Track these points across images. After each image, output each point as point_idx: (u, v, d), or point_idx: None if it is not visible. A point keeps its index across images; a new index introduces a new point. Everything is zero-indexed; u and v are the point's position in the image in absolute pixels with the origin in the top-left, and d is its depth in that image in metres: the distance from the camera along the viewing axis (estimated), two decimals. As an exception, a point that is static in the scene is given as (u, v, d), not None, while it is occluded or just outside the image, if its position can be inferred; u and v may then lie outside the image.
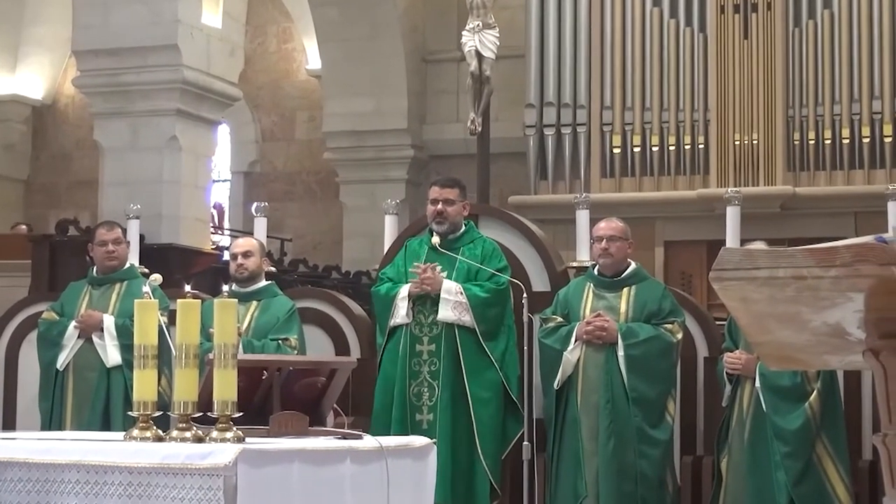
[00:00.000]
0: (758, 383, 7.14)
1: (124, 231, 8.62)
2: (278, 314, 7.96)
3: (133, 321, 7.70)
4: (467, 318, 7.67)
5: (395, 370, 7.73)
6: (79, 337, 8.17)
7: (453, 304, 7.65)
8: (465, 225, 7.98)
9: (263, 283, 8.17)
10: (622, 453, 7.40)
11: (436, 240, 7.81)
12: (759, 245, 7.21)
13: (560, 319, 7.70)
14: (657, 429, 7.45)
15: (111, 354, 8.09)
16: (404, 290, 7.76)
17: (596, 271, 7.79)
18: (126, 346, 7.84)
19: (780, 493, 7.07)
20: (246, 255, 8.07)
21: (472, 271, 7.76)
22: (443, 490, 7.27)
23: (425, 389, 7.68)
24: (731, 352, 7.35)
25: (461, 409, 7.64)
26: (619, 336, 7.47)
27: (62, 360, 8.16)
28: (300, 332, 8.01)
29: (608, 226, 7.74)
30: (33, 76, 18.46)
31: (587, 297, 7.70)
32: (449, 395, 7.63)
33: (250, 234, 9.92)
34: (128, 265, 8.51)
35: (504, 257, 7.96)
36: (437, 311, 7.68)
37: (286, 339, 7.85)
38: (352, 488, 5.03)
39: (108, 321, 8.14)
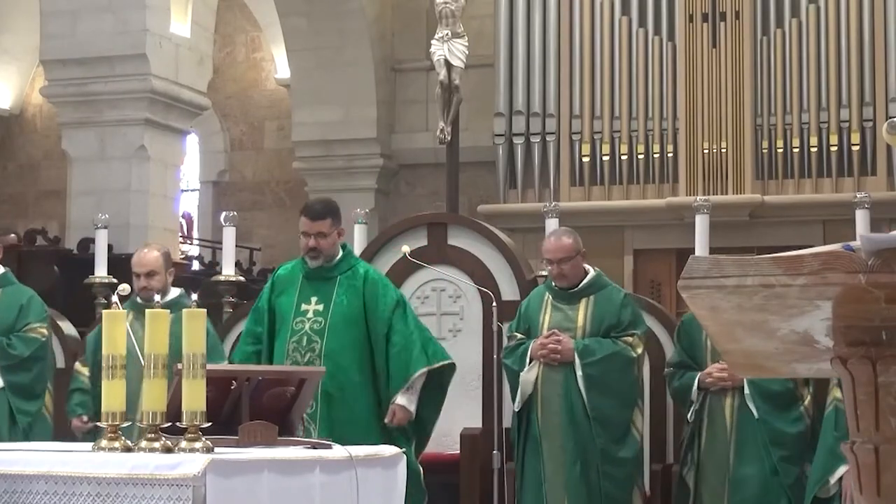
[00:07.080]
0: (747, 391, 7.09)
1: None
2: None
3: (8, 340, 7.51)
4: None
5: None
6: None
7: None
8: (343, 249, 6.96)
9: (173, 294, 7.51)
10: (587, 475, 7.26)
11: (286, 267, 7.06)
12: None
13: (521, 336, 7.51)
14: (622, 447, 7.28)
15: None
16: None
17: (553, 283, 7.62)
18: (5, 367, 7.48)
19: (780, 497, 7.05)
20: (149, 275, 7.36)
21: (357, 308, 6.82)
22: None
23: None
24: (684, 364, 7.34)
25: None
26: (576, 355, 7.28)
27: None
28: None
29: (557, 247, 7.44)
30: (0, 85, 18.38)
31: (545, 310, 7.48)
32: None
33: (218, 244, 9.85)
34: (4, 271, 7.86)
35: (393, 285, 7.06)
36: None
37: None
38: (321, 498, 5.02)
39: None
